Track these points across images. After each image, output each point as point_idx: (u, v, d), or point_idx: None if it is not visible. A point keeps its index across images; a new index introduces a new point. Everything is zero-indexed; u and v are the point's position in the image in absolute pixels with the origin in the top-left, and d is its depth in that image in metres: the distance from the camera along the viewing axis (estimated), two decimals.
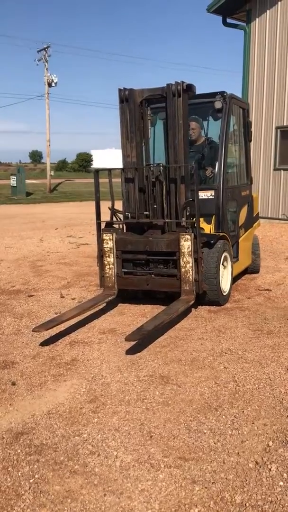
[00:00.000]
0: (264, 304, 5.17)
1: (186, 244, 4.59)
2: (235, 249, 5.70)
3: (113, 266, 4.91)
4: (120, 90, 4.96)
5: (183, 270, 4.64)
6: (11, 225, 13.22)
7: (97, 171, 5.11)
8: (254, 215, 6.47)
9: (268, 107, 12.13)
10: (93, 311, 4.80)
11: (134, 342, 3.89)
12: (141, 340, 3.91)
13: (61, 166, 60.24)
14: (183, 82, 4.69)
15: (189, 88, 4.73)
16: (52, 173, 33.25)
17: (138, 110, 4.96)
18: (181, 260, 4.63)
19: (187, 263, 4.62)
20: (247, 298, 5.42)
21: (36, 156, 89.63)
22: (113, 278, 4.92)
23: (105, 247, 4.90)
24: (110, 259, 4.90)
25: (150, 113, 5.31)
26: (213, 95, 5.25)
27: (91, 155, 63.94)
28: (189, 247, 4.58)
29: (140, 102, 4.95)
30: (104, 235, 4.90)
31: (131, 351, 3.84)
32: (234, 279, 5.64)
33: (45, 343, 4.07)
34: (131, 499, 2.15)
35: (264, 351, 3.82)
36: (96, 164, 62.08)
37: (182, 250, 4.61)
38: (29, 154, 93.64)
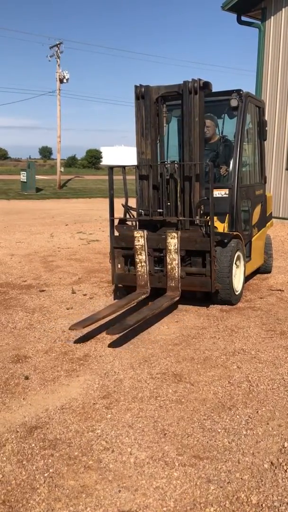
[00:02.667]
0: (276, 304, 5.14)
1: (173, 241, 4.62)
2: (248, 249, 5.67)
3: (145, 264, 4.84)
4: (136, 87, 4.94)
5: (169, 267, 4.66)
6: (21, 220, 13.26)
7: (112, 168, 5.10)
8: (267, 215, 6.44)
9: (281, 106, 12.04)
10: (126, 309, 4.76)
11: (117, 336, 3.96)
12: (124, 332, 3.98)
13: (70, 163, 60.27)
14: (199, 80, 4.66)
15: (206, 85, 4.70)
16: (62, 169, 33.27)
17: (154, 107, 4.94)
18: (167, 257, 4.66)
19: (173, 260, 4.64)
20: (259, 298, 5.40)
21: (46, 152, 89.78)
22: (146, 276, 4.85)
23: (136, 245, 4.83)
24: (142, 257, 4.82)
25: (166, 110, 5.30)
26: (229, 93, 5.22)
27: (101, 152, 63.93)
28: (175, 245, 4.61)
29: (156, 99, 4.93)
30: (135, 232, 4.83)
31: (113, 345, 3.91)
32: (246, 278, 5.60)
33: (79, 340, 4.05)
34: (146, 496, 2.14)
35: (278, 351, 3.80)
36: (105, 161, 62.06)
37: (169, 248, 4.63)
38: (39, 150, 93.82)
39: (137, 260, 4.85)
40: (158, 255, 4.90)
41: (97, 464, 2.37)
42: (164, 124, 5.21)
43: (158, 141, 5.08)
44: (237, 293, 5.09)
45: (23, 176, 25.06)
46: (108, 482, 2.24)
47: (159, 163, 5.01)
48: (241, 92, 5.21)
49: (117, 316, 4.62)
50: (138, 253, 4.83)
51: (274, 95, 12.20)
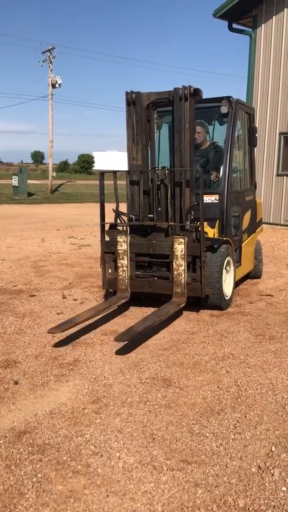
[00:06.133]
0: (266, 309, 5.17)
1: (180, 247, 4.63)
2: (238, 254, 5.71)
3: (126, 269, 4.87)
4: (127, 93, 4.98)
5: (175, 272, 4.67)
6: (12, 225, 13.23)
7: (103, 173, 5.12)
8: (257, 221, 6.49)
9: (272, 112, 12.17)
10: (107, 313, 4.78)
11: (124, 343, 3.92)
12: (131, 340, 3.94)
13: (62, 167, 60.31)
14: (190, 86, 4.71)
15: (196, 92, 4.75)
16: (54, 174, 33.27)
17: (145, 113, 4.98)
18: (173, 263, 4.66)
19: (179, 266, 4.65)
20: (249, 303, 5.43)
21: (38, 157, 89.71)
22: (126, 280, 4.88)
23: (119, 249, 4.87)
24: (124, 262, 4.86)
25: (156, 116, 5.34)
26: (219, 100, 5.28)
27: (93, 157, 64.03)
28: (182, 250, 4.62)
29: (147, 106, 4.97)
30: (119, 237, 4.87)
31: (121, 351, 3.88)
32: (236, 283, 5.64)
33: (58, 344, 4.05)
34: (134, 501, 2.15)
35: (267, 356, 3.83)
36: (98, 166, 62.17)
37: (175, 253, 4.64)
38: (31, 154, 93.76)
39: (119, 264, 4.89)
40: (147, 260, 4.93)
41: (85, 469, 2.38)
42: (155, 130, 5.26)
43: (149, 147, 5.12)
44: (227, 298, 5.12)
45: (14, 181, 25.03)
46: (96, 487, 2.24)
47: (149, 168, 5.04)
48: (231, 99, 5.26)
49: (97, 320, 4.65)
50: (120, 257, 4.87)
51: (265, 101, 12.32)
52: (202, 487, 2.24)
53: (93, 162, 62.88)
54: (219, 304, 4.97)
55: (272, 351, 3.93)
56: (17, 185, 24.79)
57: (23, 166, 28.87)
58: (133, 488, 2.23)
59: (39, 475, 2.32)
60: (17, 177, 24.92)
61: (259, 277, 6.59)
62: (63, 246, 9.40)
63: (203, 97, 4.92)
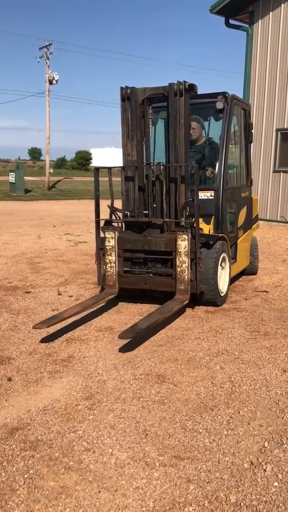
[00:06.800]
0: (261, 305, 5.17)
1: (183, 244, 4.60)
2: (234, 250, 5.70)
3: (114, 265, 4.89)
4: (122, 88, 4.95)
5: (178, 269, 4.65)
6: (9, 221, 13.19)
7: (97, 169, 5.10)
8: (253, 217, 6.48)
9: (269, 109, 12.15)
10: (94, 309, 4.79)
11: (128, 340, 3.90)
12: (135, 338, 3.91)
13: (60, 164, 60.18)
14: (185, 82, 4.69)
15: (191, 87, 4.73)
16: (51, 170, 33.21)
17: (140, 108, 4.95)
18: (177, 260, 4.64)
19: (183, 262, 4.62)
20: (244, 299, 5.43)
21: (35, 153, 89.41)
22: (114, 276, 4.90)
23: (107, 245, 4.88)
24: (112, 258, 4.88)
25: (151, 112, 5.31)
26: (215, 95, 5.26)
27: (90, 153, 63.91)
28: (185, 247, 4.58)
29: (142, 101, 4.94)
30: (107, 233, 4.88)
31: (124, 349, 3.85)
32: (232, 280, 5.64)
33: (46, 340, 4.05)
34: (126, 497, 2.15)
35: (261, 352, 3.83)
36: (95, 162, 62.05)
37: (179, 250, 4.62)
38: (28, 151, 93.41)
39: (107, 260, 4.90)
40: (143, 257, 4.91)
41: (77, 465, 2.37)
42: (150, 126, 5.23)
43: (144, 143, 5.09)
44: (222, 294, 5.11)
45: (11, 177, 24.98)
46: (88, 483, 2.24)
47: (145, 164, 5.02)
48: (227, 95, 5.24)
49: (92, 316, 4.66)
50: (108, 253, 4.88)
51: (262, 97, 12.30)
52: (194, 483, 2.24)
53: (91, 159, 62.76)
54: (214, 300, 4.96)
55: (267, 347, 3.93)
56: (14, 181, 24.73)
57: (20, 163, 28.80)
58: (125, 484, 2.23)
59: (31, 471, 2.32)
60: (14, 173, 24.87)
61: (254, 273, 6.59)
62: (59, 243, 9.38)
63: (199, 93, 4.90)
